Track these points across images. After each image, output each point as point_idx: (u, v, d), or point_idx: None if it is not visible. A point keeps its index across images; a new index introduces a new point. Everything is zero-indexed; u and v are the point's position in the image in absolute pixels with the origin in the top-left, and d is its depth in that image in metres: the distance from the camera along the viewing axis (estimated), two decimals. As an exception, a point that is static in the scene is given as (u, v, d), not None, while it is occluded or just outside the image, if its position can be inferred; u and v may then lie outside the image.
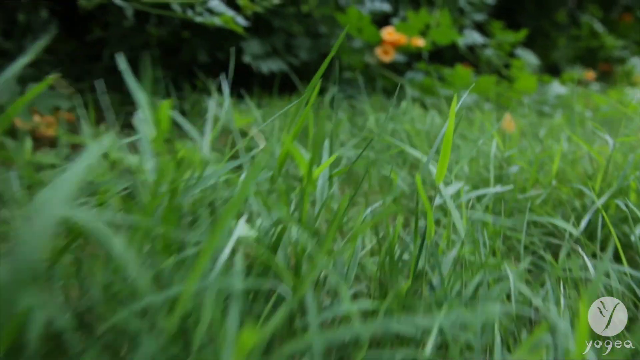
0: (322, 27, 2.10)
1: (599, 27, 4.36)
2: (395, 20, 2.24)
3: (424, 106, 1.74)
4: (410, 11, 1.75)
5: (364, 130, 1.29)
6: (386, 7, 2.08)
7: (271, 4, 1.15)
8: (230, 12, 1.26)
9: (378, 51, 1.90)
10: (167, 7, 1.17)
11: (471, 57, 2.47)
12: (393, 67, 2.13)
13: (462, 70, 1.74)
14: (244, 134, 1.26)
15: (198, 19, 1.12)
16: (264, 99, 1.89)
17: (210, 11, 1.24)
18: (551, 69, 3.63)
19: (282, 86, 2.26)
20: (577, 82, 2.82)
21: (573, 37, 4.37)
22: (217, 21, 1.11)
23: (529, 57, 2.51)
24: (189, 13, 1.16)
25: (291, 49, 1.99)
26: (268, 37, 1.94)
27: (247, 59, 1.76)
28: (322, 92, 2.05)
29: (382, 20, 2.27)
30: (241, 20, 1.30)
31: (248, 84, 2.10)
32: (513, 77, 2.07)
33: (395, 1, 2.38)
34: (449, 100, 1.95)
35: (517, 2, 3.74)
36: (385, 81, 2.03)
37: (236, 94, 2.01)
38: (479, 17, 2.38)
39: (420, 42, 1.91)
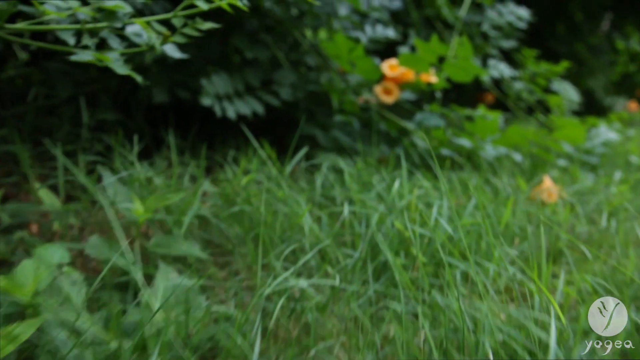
0: (312, 58, 1.70)
1: (637, 46, 3.88)
2: (404, 49, 1.83)
3: (428, 169, 1.32)
4: (419, 40, 1.34)
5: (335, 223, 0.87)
6: (391, 34, 1.67)
7: (196, 30, 0.74)
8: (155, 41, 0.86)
9: (378, 90, 1.49)
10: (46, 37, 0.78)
11: (497, 93, 2.04)
12: (398, 106, 1.71)
13: (485, 122, 1.31)
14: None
15: (73, 57, 0.72)
16: (229, 154, 1.48)
17: (123, 38, 0.85)
18: (585, 98, 3.18)
19: (263, 131, 1.86)
20: (626, 120, 2.36)
21: (608, 62, 3.91)
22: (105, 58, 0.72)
23: (568, 92, 2.07)
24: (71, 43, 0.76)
25: (270, 85, 1.59)
26: (239, 70, 1.55)
27: (205, 101, 1.37)
28: (308, 140, 1.64)
29: (388, 49, 1.86)
30: (171, 49, 0.90)
31: (222, 129, 1.71)
32: (553, 123, 1.64)
33: (403, 25, 1.98)
34: (470, 157, 1.52)
35: (546, 25, 3.31)
36: (388, 125, 1.62)
37: (190, 147, 1.61)
38: (508, 44, 1.96)
39: (432, 79, 1.50)
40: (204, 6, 0.77)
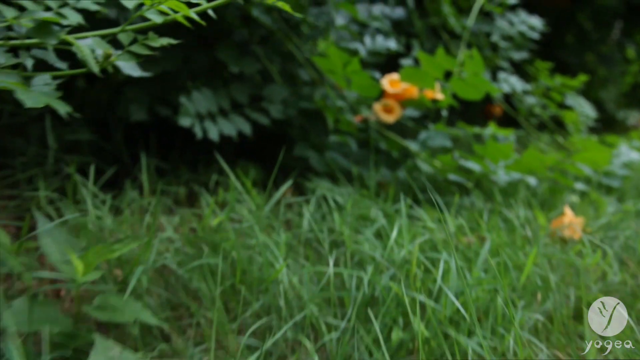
0: (306, 72, 1.56)
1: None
2: (407, 62, 1.69)
3: (431, 203, 1.17)
4: (423, 53, 1.19)
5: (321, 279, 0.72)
6: (393, 45, 1.53)
7: (148, 47, 0.60)
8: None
9: (377, 108, 1.35)
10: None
11: (507, 108, 1.89)
12: (400, 123, 1.56)
13: (497, 146, 1.16)
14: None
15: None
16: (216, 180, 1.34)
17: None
18: (596, 110, 3.02)
19: (254, 149, 1.72)
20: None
21: (620, 73, 3.76)
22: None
23: (583, 107, 1.92)
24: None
25: (259, 102, 1.45)
26: (225, 86, 1.41)
27: (184, 121, 1.22)
28: (301, 161, 1.49)
29: (389, 61, 1.72)
30: (129, 67, 0.76)
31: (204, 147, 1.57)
32: (573, 144, 1.49)
33: (406, 36, 1.83)
34: (479, 180, 1.37)
35: (555, 34, 3.17)
36: (389, 145, 1.47)
37: (172, 170, 1.47)
38: (519, 55, 1.81)
39: (438, 95, 1.35)
40: (158, 19, 0.63)
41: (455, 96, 1.37)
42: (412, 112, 1.54)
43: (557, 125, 2.02)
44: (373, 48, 1.50)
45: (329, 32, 1.58)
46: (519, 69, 2.01)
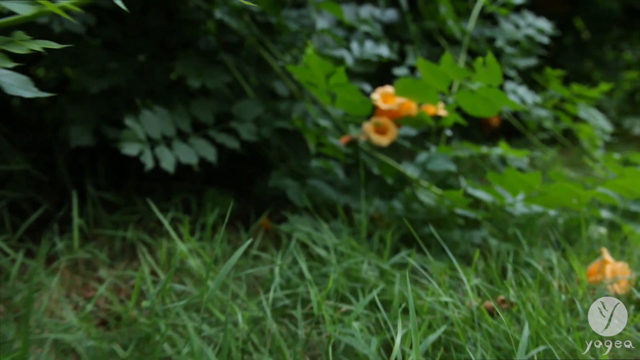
0: (285, 84, 1.33)
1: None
2: (401, 71, 1.47)
3: (441, 249, 0.94)
4: (424, 60, 0.97)
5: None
6: (384, 52, 1.31)
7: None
8: None
9: (368, 128, 1.12)
10: None
11: (515, 122, 1.68)
12: (395, 143, 1.34)
13: (518, 176, 0.94)
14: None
15: None
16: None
17: None
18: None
19: (226, 173, 1.49)
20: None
21: (621, 79, 3.58)
22: None
23: (597, 120, 1.70)
24: None
25: (228, 122, 1.22)
26: (185, 103, 1.17)
27: (129, 149, 0.99)
28: (276, 191, 1.26)
29: (381, 70, 1.50)
30: (15, 84, 0.52)
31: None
32: (592, 164, 1.27)
33: (399, 41, 1.61)
34: (495, 213, 1.15)
35: (554, 40, 2.99)
36: (382, 170, 1.24)
37: (125, 204, 1.23)
38: (527, 62, 1.60)
39: (440, 111, 1.13)
40: (25, 11, 0.40)
41: (459, 110, 1.14)
42: (408, 130, 1.31)
43: (564, 137, 1.81)
44: (361, 56, 1.28)
45: (309, 38, 1.36)
46: (526, 77, 1.79)
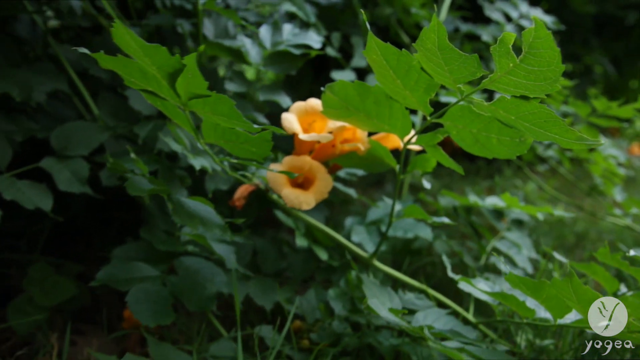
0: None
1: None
2: (343, 75, 0.95)
3: None
4: (379, 41, 0.45)
5: None
6: (314, 42, 0.79)
7: None
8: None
9: (278, 181, 0.59)
10: None
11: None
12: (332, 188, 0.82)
13: (581, 288, 0.44)
14: None
15: None
16: None
17: None
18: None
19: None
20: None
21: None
22: None
23: (607, 149, 1.25)
24: None
25: (38, 156, 0.66)
26: None
27: None
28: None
29: (322, 78, 0.98)
30: None
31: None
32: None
33: (342, 35, 1.10)
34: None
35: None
36: (311, 237, 0.72)
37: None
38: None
39: (412, 145, 0.61)
40: None
41: (447, 145, 0.63)
42: (353, 169, 0.80)
43: (573, 166, 1.35)
44: (275, 47, 0.75)
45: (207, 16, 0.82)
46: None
